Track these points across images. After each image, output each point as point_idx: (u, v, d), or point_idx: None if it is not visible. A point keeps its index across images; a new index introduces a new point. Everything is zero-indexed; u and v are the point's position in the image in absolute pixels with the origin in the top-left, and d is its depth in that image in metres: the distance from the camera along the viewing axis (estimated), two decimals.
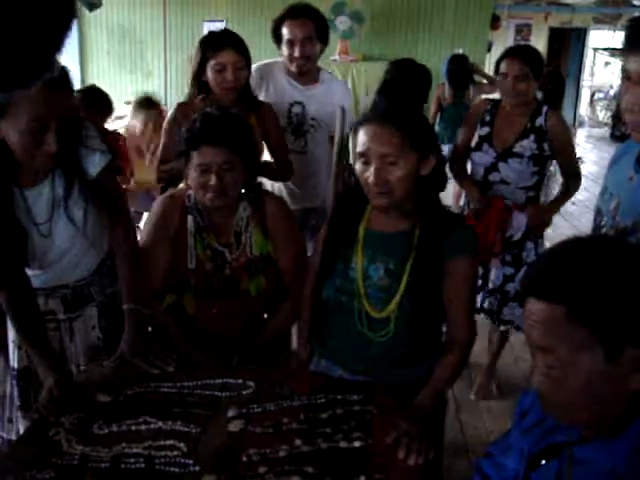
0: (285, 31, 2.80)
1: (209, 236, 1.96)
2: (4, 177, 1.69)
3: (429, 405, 1.60)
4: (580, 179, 3.04)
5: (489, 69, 5.43)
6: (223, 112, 1.94)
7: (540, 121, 2.84)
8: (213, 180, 1.83)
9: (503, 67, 2.83)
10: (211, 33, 2.64)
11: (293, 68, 2.85)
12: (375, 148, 1.61)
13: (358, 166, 1.66)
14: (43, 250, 1.82)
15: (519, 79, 2.78)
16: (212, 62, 2.47)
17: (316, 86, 2.93)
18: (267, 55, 3.02)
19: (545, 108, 2.87)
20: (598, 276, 0.97)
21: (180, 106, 2.60)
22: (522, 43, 12.61)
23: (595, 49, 14.15)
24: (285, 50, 2.82)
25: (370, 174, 1.62)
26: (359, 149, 1.65)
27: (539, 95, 3.72)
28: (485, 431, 2.95)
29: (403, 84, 3.15)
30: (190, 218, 1.96)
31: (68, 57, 5.53)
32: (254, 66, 2.97)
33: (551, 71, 5.22)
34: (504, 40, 11.93)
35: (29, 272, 1.82)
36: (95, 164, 1.81)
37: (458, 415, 3.05)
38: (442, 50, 2.92)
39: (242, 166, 1.88)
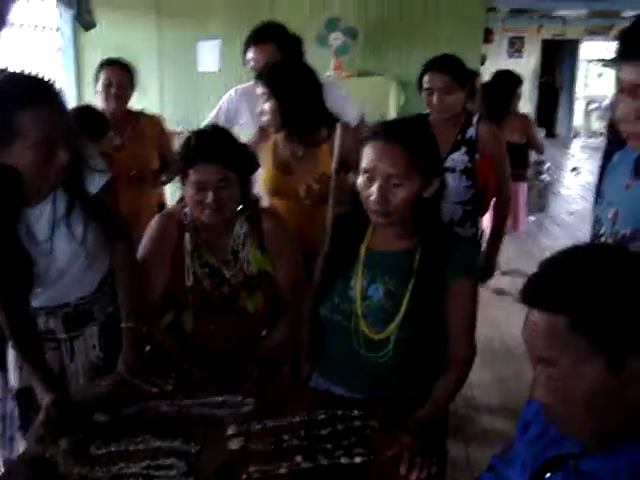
0: (250, 56, 2.78)
1: (206, 253, 1.96)
2: (7, 198, 1.69)
3: (431, 419, 1.59)
4: (510, 199, 2.88)
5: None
6: (218, 129, 1.94)
7: (471, 132, 2.70)
8: (210, 197, 1.83)
9: (426, 81, 2.67)
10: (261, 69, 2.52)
11: None
12: (381, 167, 1.58)
13: (361, 181, 1.63)
14: (44, 269, 1.82)
15: (445, 92, 2.63)
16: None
17: None
18: None
19: (476, 118, 2.73)
20: (599, 285, 0.96)
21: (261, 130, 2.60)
22: (515, 55, 12.76)
23: (588, 60, 14.25)
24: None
25: (373, 192, 1.59)
26: (364, 165, 1.62)
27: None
28: (488, 445, 2.93)
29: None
30: (187, 235, 1.96)
31: (65, 77, 5.55)
32: (237, 88, 3.00)
33: (544, 83, 5.24)
34: (497, 53, 12.04)
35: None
36: (95, 182, 1.82)
37: (460, 429, 3.02)
38: None
39: (239, 183, 1.88)
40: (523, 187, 4.93)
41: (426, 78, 2.66)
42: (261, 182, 2.45)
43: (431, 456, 1.47)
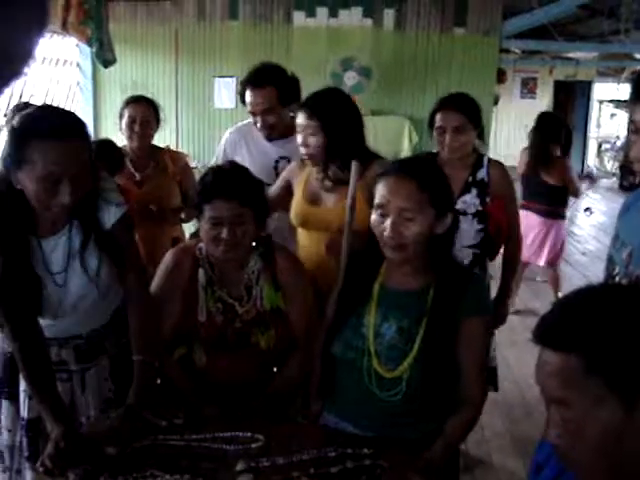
0: (247, 99, 2.71)
1: (220, 289, 1.97)
2: (21, 226, 1.71)
3: (441, 459, 1.57)
4: (519, 245, 2.81)
5: (495, 122, 5.50)
6: (234, 166, 1.96)
7: (482, 174, 2.63)
8: (225, 233, 1.84)
9: (439, 120, 2.60)
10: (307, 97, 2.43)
11: (264, 134, 2.77)
12: (394, 202, 1.61)
13: (374, 217, 1.65)
14: (57, 300, 1.83)
15: (458, 132, 2.56)
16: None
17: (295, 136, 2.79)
18: None
19: (486, 159, 2.67)
20: (614, 326, 0.95)
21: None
22: (528, 96, 12.86)
23: (600, 101, 14.34)
24: (251, 117, 2.77)
25: (386, 227, 1.61)
26: (377, 201, 1.64)
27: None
28: None
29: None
30: (201, 271, 1.97)
31: (83, 111, 5.64)
32: (231, 128, 2.98)
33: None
34: (510, 93, 12.14)
35: (43, 322, 1.83)
36: (110, 216, 1.83)
37: (471, 470, 2.98)
38: None
39: (254, 220, 1.90)
40: (563, 225, 5.02)
41: (439, 116, 2.61)
42: (291, 213, 2.43)
43: None
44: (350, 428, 1.76)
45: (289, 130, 2.72)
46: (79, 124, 1.69)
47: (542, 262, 5.00)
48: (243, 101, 2.76)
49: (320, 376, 1.88)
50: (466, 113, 2.59)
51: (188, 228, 3.45)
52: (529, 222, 4.72)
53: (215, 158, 2.99)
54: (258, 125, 2.73)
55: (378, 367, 1.67)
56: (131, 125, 3.24)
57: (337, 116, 2.29)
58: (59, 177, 1.60)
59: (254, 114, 2.71)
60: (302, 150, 2.33)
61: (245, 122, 2.95)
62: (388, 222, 1.61)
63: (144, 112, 3.26)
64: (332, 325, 1.79)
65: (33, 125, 1.59)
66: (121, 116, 3.27)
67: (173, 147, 4.20)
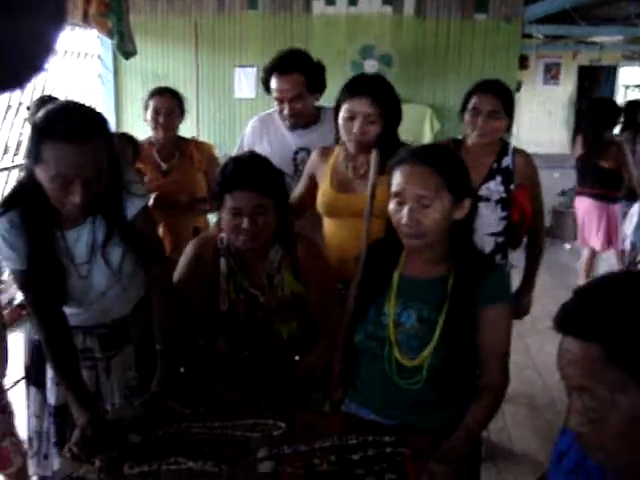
0: (273, 86, 2.66)
1: (241, 279, 1.98)
2: (45, 218, 1.73)
3: (463, 447, 1.56)
4: (543, 234, 2.77)
5: (518, 109, 5.44)
6: (255, 156, 1.97)
7: (507, 161, 2.61)
8: (246, 223, 1.85)
9: (474, 102, 2.58)
10: (351, 79, 2.35)
11: (285, 122, 2.74)
12: (410, 189, 1.60)
13: (392, 206, 1.65)
14: (82, 290, 1.85)
15: (493, 116, 2.55)
16: (344, 106, 2.25)
17: (316, 127, 2.76)
18: None
19: (511, 147, 2.65)
20: (635, 314, 0.95)
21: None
22: (551, 82, 12.69)
23: (626, 86, 14.09)
24: (275, 103, 2.71)
25: (404, 215, 1.61)
26: (394, 189, 1.64)
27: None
28: (521, 474, 2.87)
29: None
30: (223, 261, 1.98)
31: (104, 105, 5.69)
32: (254, 117, 2.94)
33: (580, 109, 5.32)
34: (533, 79, 11.99)
35: (68, 311, 1.86)
36: (133, 207, 1.84)
37: (493, 458, 2.98)
38: None
39: (274, 209, 1.91)
40: (618, 208, 5.04)
41: (474, 99, 2.59)
42: (318, 202, 2.39)
43: None
44: (372, 416, 1.77)
45: (313, 119, 2.74)
46: (96, 125, 1.67)
47: (598, 247, 5.05)
48: (267, 89, 2.72)
49: (342, 364, 1.89)
50: (502, 98, 2.57)
51: (212, 218, 3.47)
52: (584, 206, 4.85)
53: (237, 148, 2.98)
54: (285, 112, 2.68)
55: (399, 356, 1.68)
56: (156, 116, 3.28)
57: (395, 106, 2.29)
58: (70, 179, 1.60)
59: (281, 101, 2.67)
60: (355, 137, 2.23)
61: (267, 112, 2.92)
62: (405, 210, 1.60)
63: (168, 103, 3.30)
64: (353, 314, 1.80)
65: (49, 125, 1.59)
66: (146, 107, 3.32)
67: (195, 137, 4.20)
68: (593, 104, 4.92)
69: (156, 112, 3.29)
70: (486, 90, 2.59)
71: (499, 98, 2.56)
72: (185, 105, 3.39)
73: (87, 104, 1.77)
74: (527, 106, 11.75)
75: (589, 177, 4.91)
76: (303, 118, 2.72)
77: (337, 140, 2.36)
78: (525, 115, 11.59)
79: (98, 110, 1.77)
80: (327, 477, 1.48)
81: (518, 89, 6.56)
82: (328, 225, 2.44)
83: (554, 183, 9.53)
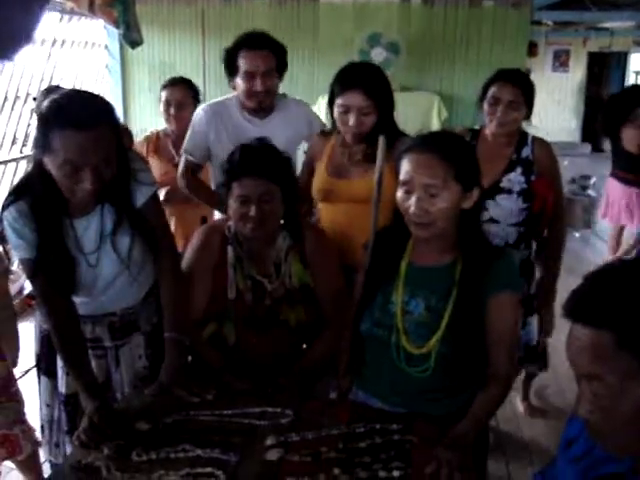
0: (243, 62, 2.55)
1: (249, 266, 1.98)
2: (53, 207, 1.74)
3: (470, 435, 1.56)
4: (565, 223, 2.76)
5: None
6: (262, 144, 1.97)
7: (526, 152, 2.58)
8: (253, 211, 1.85)
9: (494, 92, 2.54)
10: (343, 70, 2.31)
11: (251, 103, 2.62)
12: (418, 178, 1.59)
13: (400, 194, 1.64)
14: (90, 279, 1.86)
15: (513, 106, 2.51)
16: (338, 101, 2.25)
17: (273, 115, 2.69)
18: (302, 85, 2.90)
19: (530, 137, 2.62)
20: None
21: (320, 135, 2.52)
22: (560, 69, 12.59)
23: (637, 72, 13.95)
24: (242, 84, 2.58)
25: (411, 204, 1.60)
26: (402, 177, 1.63)
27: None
28: (529, 462, 2.87)
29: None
30: (230, 249, 1.99)
31: (111, 94, 5.70)
32: (203, 105, 2.82)
33: (590, 96, 5.31)
34: (542, 67, 11.89)
35: (77, 300, 1.87)
36: (141, 195, 1.84)
37: (501, 446, 2.98)
38: (479, 79, 2.92)
39: (281, 197, 1.91)
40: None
41: (494, 88, 2.55)
42: (313, 187, 2.40)
43: (470, 472, 1.45)
44: (379, 404, 1.77)
45: (268, 109, 2.68)
46: (103, 111, 1.67)
47: (630, 224, 5.05)
48: (231, 70, 2.60)
49: (349, 352, 1.89)
50: (522, 88, 2.54)
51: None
52: (616, 189, 4.90)
53: (187, 139, 2.80)
54: (257, 88, 2.55)
55: (406, 344, 1.67)
56: (167, 108, 3.29)
57: (388, 94, 2.28)
58: (79, 165, 1.60)
59: (252, 77, 2.54)
60: (351, 129, 2.24)
61: (217, 100, 2.81)
62: (413, 199, 1.60)
63: (180, 95, 3.30)
64: (360, 302, 1.80)
65: (55, 113, 1.60)
66: (160, 99, 3.34)
67: None
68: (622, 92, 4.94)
69: (168, 103, 3.29)
70: (506, 79, 2.55)
71: (519, 88, 2.53)
72: (198, 95, 3.39)
73: (92, 91, 1.77)
74: (536, 94, 11.66)
75: (619, 161, 4.92)
76: (270, 98, 2.64)
77: (334, 127, 2.36)
78: (534, 103, 11.50)
79: (104, 97, 1.77)
80: (334, 465, 1.48)
81: None
82: (323, 211, 2.46)
83: (563, 171, 9.50)
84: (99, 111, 1.65)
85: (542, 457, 2.85)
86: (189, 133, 2.78)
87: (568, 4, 6.74)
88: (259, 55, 2.54)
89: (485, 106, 2.59)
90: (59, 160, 1.60)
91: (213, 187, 2.78)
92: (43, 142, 1.61)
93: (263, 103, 2.62)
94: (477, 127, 2.74)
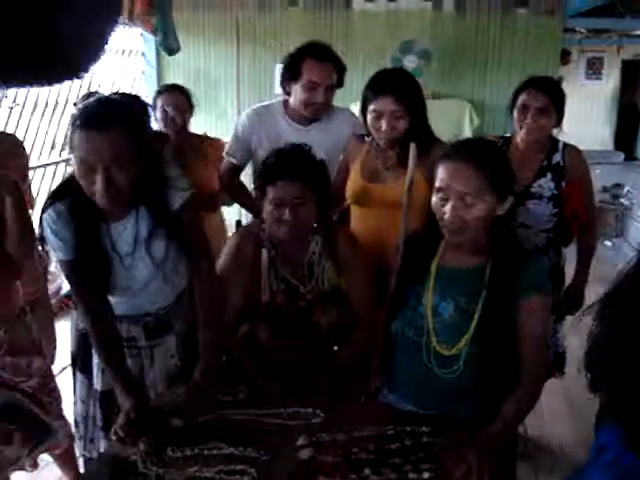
0: (309, 71, 2.55)
1: (283, 269, 2.01)
2: (91, 211, 1.78)
3: (500, 438, 1.57)
4: (596, 230, 2.76)
5: None
6: (297, 147, 2.00)
7: (557, 158, 2.61)
8: (287, 214, 1.89)
9: (524, 99, 2.57)
10: (374, 77, 2.35)
11: (307, 112, 2.63)
12: (455, 186, 1.61)
13: (435, 200, 1.67)
14: (125, 281, 1.89)
15: (542, 113, 2.54)
16: (370, 107, 2.30)
17: (316, 124, 2.70)
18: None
19: (561, 144, 2.64)
20: None
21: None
22: (594, 77, 12.45)
23: None
24: (302, 92, 2.58)
25: (447, 211, 1.63)
26: (438, 184, 1.66)
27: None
28: (557, 470, 2.86)
29: None
30: (264, 251, 2.02)
31: (147, 101, 5.79)
32: (247, 110, 2.83)
33: (624, 105, 5.21)
34: (575, 75, 11.77)
35: (113, 300, 1.91)
36: (177, 201, 1.86)
37: (530, 454, 2.96)
38: (511, 86, 2.93)
39: (316, 201, 1.94)
40: None
41: (523, 96, 2.58)
42: (347, 190, 2.44)
43: (500, 477, 1.46)
44: (409, 406, 1.79)
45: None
46: (120, 115, 1.67)
47: None
48: (294, 73, 2.58)
49: (380, 354, 1.91)
50: (551, 96, 2.56)
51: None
52: None
53: (230, 142, 2.86)
54: (318, 100, 2.58)
55: (437, 345, 1.69)
56: (165, 114, 3.28)
57: (419, 99, 2.31)
58: (92, 166, 1.62)
59: (315, 87, 2.56)
60: (384, 134, 2.28)
61: (262, 104, 2.84)
62: (448, 206, 1.62)
63: (176, 100, 3.30)
64: (391, 304, 1.82)
65: (79, 114, 1.64)
66: (154, 107, 3.28)
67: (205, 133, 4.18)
68: None
69: (164, 109, 3.28)
70: (536, 87, 2.58)
71: (548, 95, 2.55)
72: (193, 101, 3.38)
73: (125, 96, 1.81)
74: (568, 102, 11.54)
75: None
76: (326, 110, 2.67)
77: (367, 134, 2.40)
78: (566, 111, 11.39)
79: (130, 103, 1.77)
80: (364, 465, 1.50)
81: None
82: (356, 214, 2.49)
83: (595, 180, 9.37)
84: (116, 114, 1.66)
85: (569, 464, 2.83)
86: (232, 136, 2.84)
87: (601, 11, 6.67)
88: (326, 67, 2.57)
89: (515, 114, 2.61)
90: (76, 160, 1.64)
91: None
92: (70, 145, 1.66)
93: (318, 114, 2.66)
94: (508, 134, 2.76)
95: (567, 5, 5.52)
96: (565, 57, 7.43)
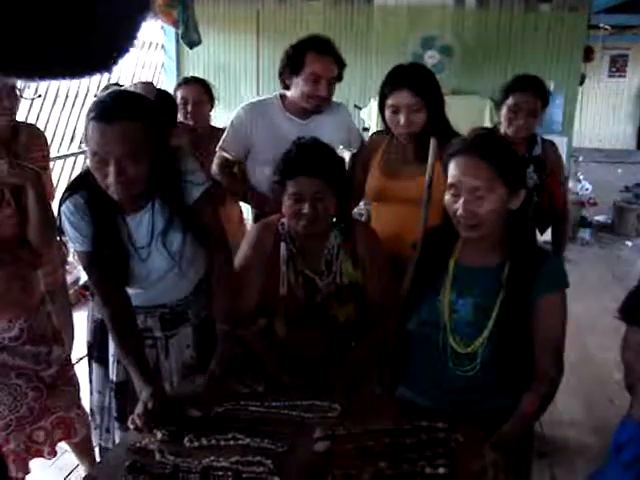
0: (312, 64, 2.54)
1: (301, 263, 2.02)
2: (107, 203, 1.79)
3: (516, 436, 1.56)
4: (570, 219, 3.00)
5: (580, 102, 5.30)
6: (317, 142, 2.00)
7: (537, 151, 2.84)
8: (306, 209, 1.89)
9: (516, 100, 2.74)
10: (391, 73, 2.37)
11: (309, 105, 2.60)
12: (466, 181, 1.62)
13: (447, 197, 1.68)
14: (142, 272, 1.91)
15: (532, 115, 2.74)
16: (388, 102, 2.31)
17: (314, 117, 2.68)
18: (355, 87, 2.88)
19: (539, 137, 2.87)
20: None
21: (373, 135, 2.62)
22: (617, 74, 12.32)
23: None
24: (305, 85, 2.56)
25: (459, 206, 1.63)
26: (450, 180, 1.66)
27: None
28: (574, 468, 2.84)
29: None
30: (283, 245, 2.03)
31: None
32: (244, 104, 2.79)
33: None
34: (598, 73, 11.66)
35: (130, 291, 1.93)
36: (194, 194, 1.86)
37: (546, 454, 2.95)
38: None
39: (334, 195, 1.94)
40: None
41: (515, 97, 2.75)
42: (367, 187, 2.46)
43: (515, 474, 1.45)
44: (425, 402, 1.79)
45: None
46: (133, 108, 1.68)
47: None
48: (294, 67, 2.58)
49: (396, 350, 1.91)
50: (541, 97, 2.75)
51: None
52: None
53: (225, 135, 2.80)
54: (321, 93, 2.56)
55: (453, 343, 1.69)
56: (184, 106, 3.28)
57: (436, 93, 2.33)
58: (104, 158, 1.64)
59: (318, 80, 2.54)
60: (402, 128, 2.29)
61: (259, 99, 2.84)
62: (460, 202, 1.63)
63: (196, 92, 3.29)
64: (408, 301, 1.82)
65: (92, 107, 1.66)
66: (174, 98, 3.25)
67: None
68: None
69: (184, 102, 3.27)
70: (525, 88, 2.76)
71: (538, 95, 2.74)
72: (214, 93, 3.37)
73: (147, 86, 1.81)
74: (590, 100, 11.44)
75: None
76: (327, 104, 2.66)
77: (387, 129, 2.41)
78: (588, 109, 11.29)
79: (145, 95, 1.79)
80: (380, 459, 1.51)
81: (582, 82, 6.41)
82: (375, 209, 2.51)
83: (617, 179, 9.28)
84: (127, 107, 1.67)
85: (586, 466, 2.81)
86: (228, 131, 2.79)
87: (626, 7, 6.60)
88: (329, 61, 2.57)
89: (504, 111, 2.80)
90: (90, 152, 1.66)
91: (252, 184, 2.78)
92: (84, 136, 1.68)
93: (319, 107, 2.64)
94: (490, 125, 2.93)
95: (591, 1, 5.47)
96: (588, 54, 7.35)
